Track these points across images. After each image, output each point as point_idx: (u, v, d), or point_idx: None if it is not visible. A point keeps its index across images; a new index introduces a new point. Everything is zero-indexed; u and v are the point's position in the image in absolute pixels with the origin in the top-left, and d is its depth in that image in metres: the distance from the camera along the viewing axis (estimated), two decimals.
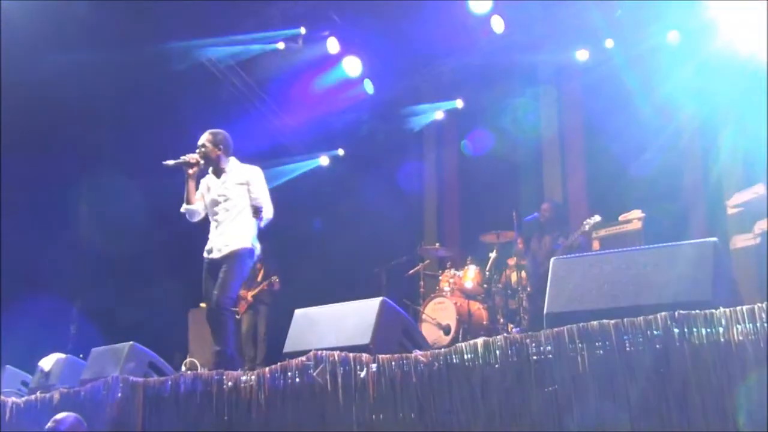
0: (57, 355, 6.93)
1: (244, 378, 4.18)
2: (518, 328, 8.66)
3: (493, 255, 8.92)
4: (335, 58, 11.74)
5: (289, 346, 4.59)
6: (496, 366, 3.11)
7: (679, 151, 9.42)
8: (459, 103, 11.43)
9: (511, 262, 8.97)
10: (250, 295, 10.45)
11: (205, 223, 6.11)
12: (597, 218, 7.54)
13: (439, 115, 11.66)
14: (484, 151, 11.18)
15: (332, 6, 11.40)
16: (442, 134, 12.00)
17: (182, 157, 5.83)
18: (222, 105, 12.38)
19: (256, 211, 5.77)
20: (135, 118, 11.23)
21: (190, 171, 5.83)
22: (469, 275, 8.90)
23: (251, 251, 5.80)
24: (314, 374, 3.74)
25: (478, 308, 8.72)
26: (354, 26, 11.48)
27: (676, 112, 9.37)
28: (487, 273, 8.93)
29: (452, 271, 9.05)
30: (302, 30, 11.41)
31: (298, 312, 4.72)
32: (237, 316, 10.56)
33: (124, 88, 11.49)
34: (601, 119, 10.18)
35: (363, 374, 3.54)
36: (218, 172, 5.92)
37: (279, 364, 4.00)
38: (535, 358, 3.02)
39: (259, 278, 10.49)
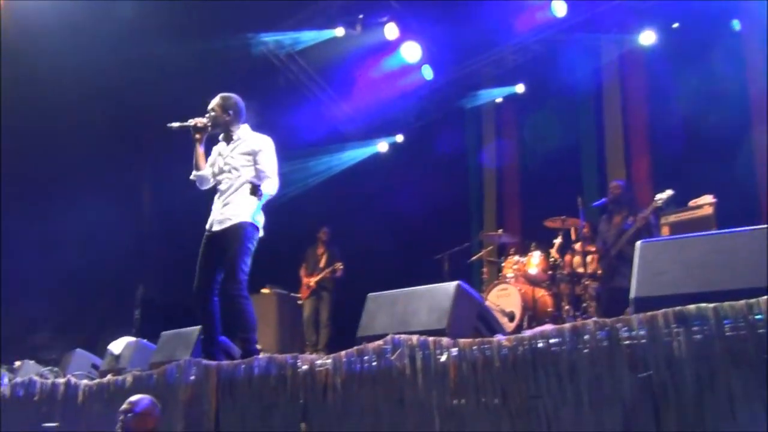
0: (126, 338, 7.01)
1: (319, 362, 4.14)
2: (584, 315, 8.51)
3: (558, 241, 8.76)
4: (394, 44, 11.69)
5: (362, 330, 4.55)
6: (585, 351, 3.01)
7: (749, 135, 9.14)
8: (519, 88, 11.26)
9: (577, 247, 8.80)
10: (313, 281, 10.46)
11: None
12: (670, 192, 7.20)
13: (498, 101, 11.49)
14: (544, 137, 11.02)
15: None
16: (502, 119, 11.83)
17: (189, 120, 5.61)
18: (280, 93, 12.42)
19: (254, 189, 5.40)
20: (194, 108, 11.30)
21: (197, 135, 5.61)
22: (534, 261, 8.76)
23: (253, 226, 5.44)
24: (392, 358, 3.68)
25: (542, 295, 8.59)
26: (412, 11, 11.39)
27: (743, 95, 9.08)
28: (552, 259, 8.77)
29: (516, 257, 8.92)
30: (360, 16, 11.34)
31: (370, 296, 4.66)
32: (299, 302, 10.61)
33: (183, 81, 11.58)
34: (665, 103, 9.95)
35: (443, 358, 3.47)
36: (228, 139, 5.67)
37: (355, 348, 3.95)
38: (627, 342, 2.91)
39: (322, 264, 10.50)
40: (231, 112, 5.64)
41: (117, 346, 6.86)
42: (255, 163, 5.52)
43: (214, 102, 5.67)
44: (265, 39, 11.96)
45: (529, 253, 8.83)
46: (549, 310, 8.57)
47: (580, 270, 8.49)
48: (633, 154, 10.30)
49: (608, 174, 10.41)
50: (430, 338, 3.59)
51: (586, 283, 8.42)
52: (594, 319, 3.07)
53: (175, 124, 5.59)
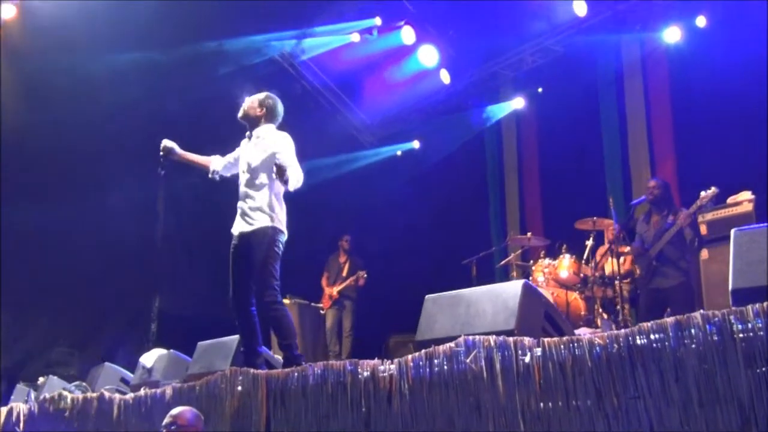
0: (158, 350, 6.79)
1: (382, 367, 3.93)
2: (614, 318, 8.31)
3: (589, 243, 8.55)
4: (410, 49, 11.51)
5: (421, 334, 4.34)
6: (692, 346, 2.80)
7: None
8: (540, 89, 11.06)
9: (607, 249, 8.60)
10: (335, 290, 10.27)
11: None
12: (714, 190, 6.97)
13: (518, 104, 11.30)
14: (565, 138, 10.83)
15: None
16: (522, 122, 11.63)
17: (160, 153, 5.70)
18: (295, 100, 12.22)
19: (281, 171, 5.02)
20: (205, 116, 11.10)
21: (172, 156, 5.67)
22: (564, 264, 8.53)
23: (275, 229, 5.23)
24: (467, 361, 3.47)
25: (575, 298, 8.38)
26: (429, 14, 11.23)
27: None
28: (583, 262, 8.56)
29: (546, 260, 8.69)
30: (377, 21, 11.18)
31: (429, 297, 4.45)
32: (321, 312, 10.40)
33: (193, 86, 11.43)
34: (690, 100, 9.76)
35: (527, 359, 3.26)
36: (250, 136, 5.47)
37: (423, 351, 3.74)
38: (741, 335, 2.70)
39: (345, 273, 10.32)
40: (265, 109, 5.47)
41: (149, 358, 6.64)
42: (276, 160, 5.22)
43: (255, 95, 5.53)
44: (280, 46, 11.80)
45: (560, 256, 8.61)
46: (582, 313, 8.36)
47: (611, 272, 8.29)
48: (657, 152, 10.09)
49: (632, 173, 10.23)
50: (510, 338, 3.37)
51: (618, 285, 8.21)
52: (701, 312, 2.85)
53: (161, 170, 5.71)
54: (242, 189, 5.36)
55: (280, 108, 5.56)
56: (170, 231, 13.24)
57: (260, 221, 5.21)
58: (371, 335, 11.23)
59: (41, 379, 8.37)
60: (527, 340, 3.31)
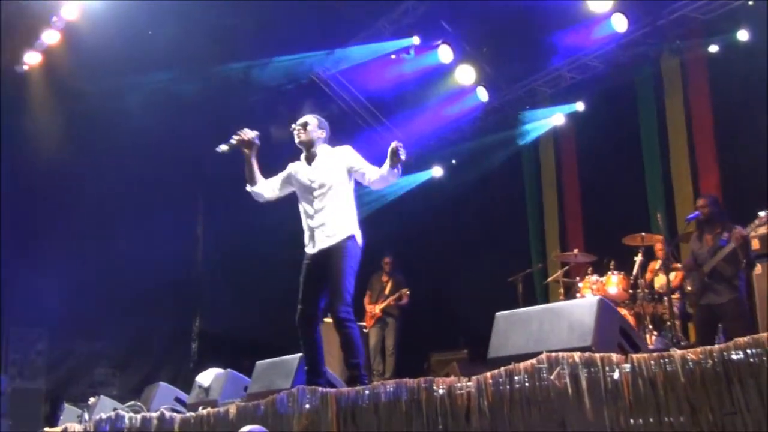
0: (214, 370, 6.82)
1: (458, 384, 3.92)
2: (661, 334, 8.26)
3: (638, 258, 8.49)
4: (447, 67, 11.56)
5: (494, 351, 4.34)
6: None
7: None
8: (579, 106, 11.06)
9: (656, 265, 8.57)
10: (378, 308, 10.29)
11: None
12: None
13: (558, 120, 11.30)
14: (605, 153, 10.80)
15: (443, 14, 11.21)
16: (561, 137, 11.63)
17: (234, 137, 5.45)
18: (331, 120, 12.29)
19: (395, 154, 5.05)
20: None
21: (246, 150, 5.48)
22: (613, 280, 8.50)
23: (355, 242, 5.29)
24: (551, 378, 3.46)
25: (624, 315, 8.30)
26: (467, 33, 11.28)
27: None
28: (632, 278, 8.50)
29: (594, 276, 8.66)
30: (416, 40, 11.26)
31: (499, 315, 4.44)
32: (364, 330, 10.40)
33: (233, 106, 11.54)
34: (731, 111, 9.69)
35: (615, 375, 3.25)
36: (311, 157, 5.43)
37: (503, 368, 3.73)
38: None
39: (387, 291, 10.33)
40: (322, 131, 5.53)
41: (205, 377, 6.68)
42: (355, 170, 5.36)
43: (308, 118, 5.51)
44: (315, 63, 11.91)
45: (609, 272, 8.58)
46: None
47: (663, 288, 8.25)
48: (700, 166, 10.03)
49: (675, 187, 10.18)
50: (596, 354, 3.37)
51: (667, 301, 8.15)
52: None
53: (224, 147, 5.45)
54: (316, 205, 5.35)
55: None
56: (210, 253, 13.34)
57: (340, 235, 5.25)
58: (412, 354, 11.24)
59: (92, 399, 8.44)
60: (614, 356, 3.30)
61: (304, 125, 5.45)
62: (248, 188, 5.64)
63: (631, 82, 10.65)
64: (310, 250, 5.38)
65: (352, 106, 12.45)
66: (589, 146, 11.07)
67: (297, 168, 5.54)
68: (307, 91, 12.12)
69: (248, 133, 5.49)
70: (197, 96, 11.11)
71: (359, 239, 5.37)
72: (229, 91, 11.30)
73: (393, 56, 11.41)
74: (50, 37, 10.23)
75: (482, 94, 11.61)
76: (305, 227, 5.45)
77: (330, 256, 5.23)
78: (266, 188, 5.66)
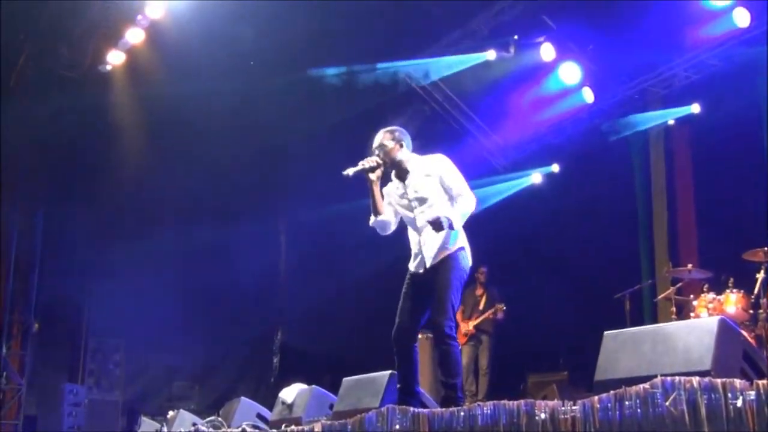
0: (298, 385, 6.92)
1: (562, 408, 3.87)
2: None
3: (760, 276, 8.19)
4: (550, 66, 11.44)
5: (601, 373, 4.26)
6: None
7: None
8: (695, 108, 10.75)
9: None
10: (471, 324, 10.24)
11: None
12: None
13: (670, 122, 11.03)
14: (723, 160, 10.46)
15: (545, 9, 11.10)
16: (673, 143, 11.33)
17: (360, 163, 5.30)
18: (426, 123, 12.36)
19: (438, 225, 5.00)
20: (336, 144, 11.26)
21: (372, 176, 5.30)
22: (732, 299, 8.23)
23: (464, 254, 5.28)
24: (667, 404, 3.37)
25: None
26: (571, 30, 11.13)
27: None
28: (753, 297, 8.21)
29: (711, 294, 8.41)
30: (515, 37, 11.18)
31: (608, 334, 4.36)
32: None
33: (323, 115, 11.67)
34: None
35: (739, 404, 3.14)
36: (402, 173, 5.39)
37: (612, 392, 3.66)
38: None
39: (481, 306, 10.28)
40: (403, 144, 5.43)
41: (289, 393, 6.78)
42: (442, 184, 5.28)
43: (381, 137, 5.42)
44: (409, 67, 11.94)
45: (727, 290, 8.31)
46: None
47: None
48: None
49: None
50: (717, 380, 3.27)
51: None
52: None
53: (350, 171, 5.32)
54: (418, 223, 5.33)
55: (406, 131, 5.56)
56: (292, 265, 13.54)
57: (449, 248, 5.25)
58: (507, 374, 11.14)
59: (171, 413, 8.66)
60: (738, 382, 3.20)
61: (381, 148, 5.39)
62: (372, 221, 5.51)
63: (754, 81, 10.29)
64: (416, 267, 5.40)
65: (446, 107, 12.45)
66: (705, 151, 10.73)
67: (390, 190, 5.55)
68: (401, 93, 12.18)
69: (373, 160, 5.36)
70: (283, 101, 11.28)
71: (468, 252, 5.37)
72: (320, 97, 11.40)
73: (492, 54, 11.32)
74: (134, 36, 10.58)
75: (588, 95, 11.43)
76: (412, 244, 5.46)
77: (437, 270, 5.25)
78: (391, 216, 5.55)
